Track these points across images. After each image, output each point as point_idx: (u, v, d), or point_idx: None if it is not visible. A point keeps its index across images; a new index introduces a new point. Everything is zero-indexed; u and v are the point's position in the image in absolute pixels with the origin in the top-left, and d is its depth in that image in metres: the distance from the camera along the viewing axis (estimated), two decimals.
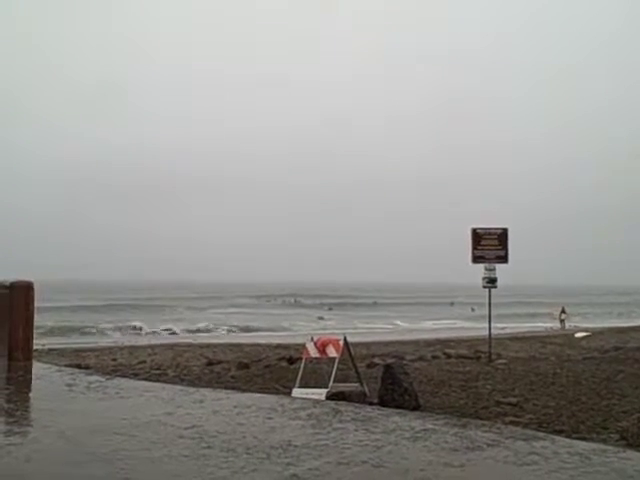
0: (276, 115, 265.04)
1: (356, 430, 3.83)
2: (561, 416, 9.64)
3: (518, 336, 29.52)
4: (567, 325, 42.87)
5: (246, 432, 3.74)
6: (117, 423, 4.02)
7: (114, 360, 19.50)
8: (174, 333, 39.50)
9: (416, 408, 9.21)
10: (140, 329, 40.91)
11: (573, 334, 30.65)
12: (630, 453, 3.65)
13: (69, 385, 5.49)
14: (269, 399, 5.54)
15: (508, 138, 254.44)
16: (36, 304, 7.08)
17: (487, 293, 18.52)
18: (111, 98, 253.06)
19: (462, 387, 12.41)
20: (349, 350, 11.32)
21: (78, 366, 14.20)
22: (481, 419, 8.13)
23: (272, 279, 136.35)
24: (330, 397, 9.55)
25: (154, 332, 39.70)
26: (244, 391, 9.05)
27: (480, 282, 18.84)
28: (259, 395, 6.52)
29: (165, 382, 9.89)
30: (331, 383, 10.37)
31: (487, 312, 18.61)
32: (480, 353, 19.50)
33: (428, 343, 25.64)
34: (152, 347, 24.09)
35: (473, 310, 54.96)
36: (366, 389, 10.91)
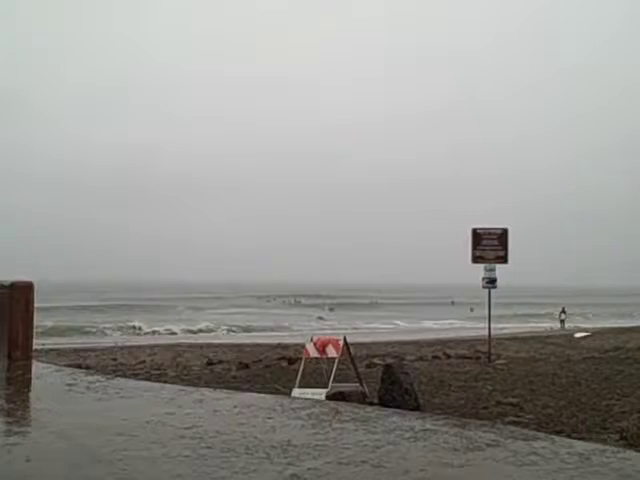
0: (275, 115, 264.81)
1: (356, 430, 3.83)
2: (561, 416, 9.65)
3: (518, 336, 29.52)
4: (567, 325, 42.90)
5: (246, 432, 3.74)
6: (117, 423, 4.02)
7: (114, 360, 19.50)
8: (174, 333, 39.50)
9: (416, 408, 9.21)
10: (140, 329, 40.91)
11: (573, 334, 30.65)
12: (630, 453, 3.64)
13: (69, 385, 5.48)
14: (269, 399, 5.54)
15: (508, 138, 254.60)
16: (36, 304, 7.08)
17: (487, 293, 18.53)
18: (111, 98, 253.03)
19: (462, 387, 12.42)
20: (349, 350, 11.32)
21: (78, 366, 14.21)
22: (481, 419, 8.13)
23: (272, 279, 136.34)
24: (330, 397, 9.55)
25: (154, 332, 39.70)
26: (244, 391, 9.06)
27: (480, 282, 18.85)
28: (259, 395, 6.52)
29: (165, 382, 9.89)
30: (331, 383, 10.37)
31: (487, 312, 18.63)
32: (480, 353, 19.51)
33: (428, 343, 25.66)
34: (152, 347, 24.09)
35: (472, 310, 54.96)
36: (366, 389, 10.91)
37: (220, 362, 17.67)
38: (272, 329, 42.73)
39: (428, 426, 3.92)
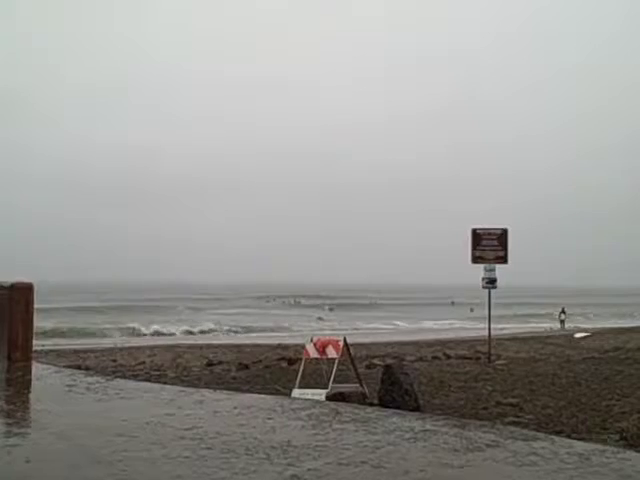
0: (275, 115, 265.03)
1: (356, 431, 3.83)
2: (561, 416, 9.64)
3: (518, 336, 29.51)
4: (567, 325, 42.90)
5: (246, 433, 3.74)
6: (117, 424, 4.02)
7: (114, 361, 19.48)
8: (174, 334, 39.48)
9: (416, 409, 9.20)
10: (140, 330, 40.89)
11: (573, 334, 30.64)
12: (630, 453, 3.65)
13: (69, 386, 5.48)
14: (269, 400, 5.54)
15: (508, 138, 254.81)
16: (36, 305, 7.08)
17: (487, 293, 18.53)
18: (111, 98, 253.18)
19: (462, 388, 12.41)
20: (349, 351, 11.31)
21: (78, 367, 14.21)
22: (481, 420, 8.13)
23: (272, 280, 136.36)
24: (330, 398, 9.55)
25: (154, 333, 39.68)
26: (244, 392, 9.06)
27: (480, 282, 18.85)
28: (259, 396, 6.53)
29: (165, 383, 9.88)
30: (331, 384, 10.36)
31: (487, 312, 18.63)
32: (480, 354, 19.51)
33: (428, 344, 25.64)
34: (152, 348, 24.06)
35: (472, 310, 54.96)
36: (366, 390, 10.90)
37: (220, 363, 17.66)
38: (272, 330, 42.70)
39: (428, 427, 3.93)
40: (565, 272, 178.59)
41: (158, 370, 16.44)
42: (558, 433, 7.84)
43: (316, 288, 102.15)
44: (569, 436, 7.54)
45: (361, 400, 10.04)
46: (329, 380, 10.43)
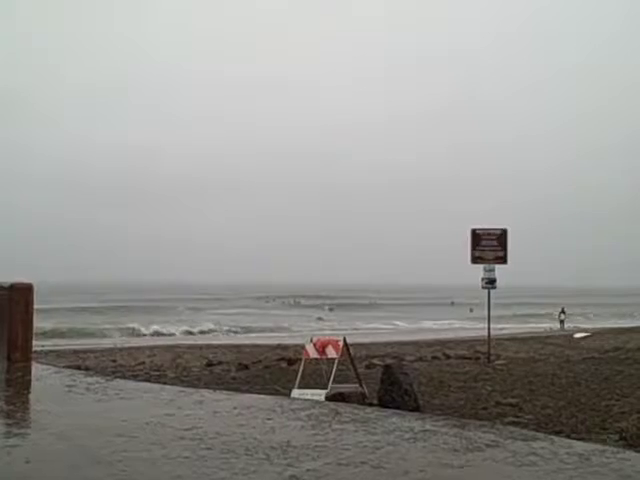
0: (275, 115, 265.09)
1: (355, 431, 3.84)
2: (560, 417, 9.64)
3: (517, 337, 29.52)
4: (566, 325, 42.89)
5: (246, 433, 3.74)
6: (117, 424, 4.02)
7: (113, 361, 19.48)
8: (173, 334, 39.48)
9: (415, 409, 9.20)
10: (139, 330, 40.88)
11: (572, 334, 30.65)
12: (629, 454, 3.65)
13: (68, 386, 5.48)
14: (269, 400, 5.54)
15: (508, 138, 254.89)
16: (35, 305, 7.08)
17: (486, 294, 18.54)
18: (111, 98, 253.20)
19: (461, 388, 12.41)
20: (348, 351, 11.31)
21: (77, 367, 14.21)
22: (480, 420, 8.13)
23: (272, 280, 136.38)
24: (330, 398, 9.55)
25: (153, 333, 39.68)
26: (244, 392, 9.05)
27: (479, 283, 18.86)
28: (259, 396, 6.53)
29: (165, 383, 9.88)
30: (330, 384, 10.36)
31: (486, 313, 18.64)
32: (479, 354, 19.51)
33: (427, 344, 25.65)
34: (152, 348, 24.06)
35: (471, 311, 54.97)
36: (365, 390, 10.90)
37: (220, 363, 17.66)
38: (272, 330, 42.69)
39: (428, 427, 3.93)
40: (565, 272, 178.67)
41: (158, 370, 16.44)
42: (558, 433, 7.84)
43: (316, 288, 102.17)
44: (569, 436, 7.54)
45: (361, 400, 10.04)
46: (329, 380, 10.43)
